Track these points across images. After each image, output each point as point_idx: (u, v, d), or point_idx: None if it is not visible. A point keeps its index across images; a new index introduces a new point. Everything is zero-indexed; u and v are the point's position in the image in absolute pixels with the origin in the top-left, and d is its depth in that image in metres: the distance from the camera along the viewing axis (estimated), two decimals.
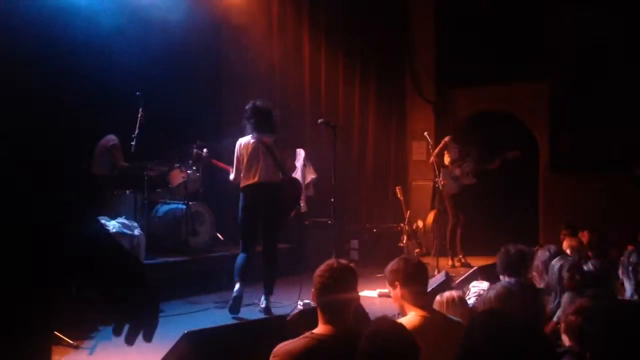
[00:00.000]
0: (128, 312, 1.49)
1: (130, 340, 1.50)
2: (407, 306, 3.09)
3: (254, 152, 5.96)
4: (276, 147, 6.03)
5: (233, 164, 6.10)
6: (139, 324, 1.50)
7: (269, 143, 5.99)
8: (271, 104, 6.28)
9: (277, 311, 5.91)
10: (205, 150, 7.41)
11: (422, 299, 3.10)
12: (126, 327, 1.51)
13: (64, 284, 1.49)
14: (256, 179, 5.90)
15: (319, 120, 6.87)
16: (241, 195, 6.02)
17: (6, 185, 1.32)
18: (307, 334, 2.69)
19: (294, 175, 7.82)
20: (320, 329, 2.72)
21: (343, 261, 2.89)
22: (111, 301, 1.50)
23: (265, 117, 6.03)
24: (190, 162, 7.59)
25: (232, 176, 6.15)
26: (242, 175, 5.99)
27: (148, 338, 1.53)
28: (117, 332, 1.50)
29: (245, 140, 6.05)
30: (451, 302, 3.88)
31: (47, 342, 1.46)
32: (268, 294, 5.89)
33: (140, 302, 1.51)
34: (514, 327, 1.77)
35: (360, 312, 3.59)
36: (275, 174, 5.97)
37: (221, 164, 6.75)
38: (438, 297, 3.84)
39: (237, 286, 5.74)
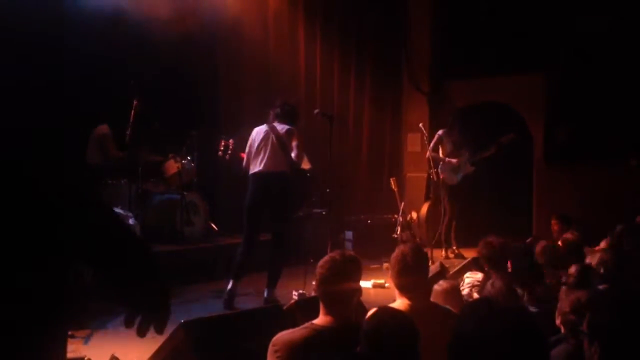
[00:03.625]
0: (141, 303, 1.47)
1: (142, 332, 1.48)
2: (397, 295, 3.12)
3: (264, 140, 5.94)
4: (290, 138, 5.93)
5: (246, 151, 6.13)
6: (152, 315, 1.48)
7: (282, 132, 5.94)
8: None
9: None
10: (231, 140, 7.36)
11: (411, 288, 3.07)
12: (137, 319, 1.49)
13: (75, 273, 1.48)
14: (261, 167, 5.88)
15: (315, 111, 6.87)
16: (248, 182, 6.01)
17: (13, 174, 1.31)
18: (307, 324, 2.70)
19: None
20: (321, 319, 2.73)
21: (348, 253, 2.89)
22: (124, 292, 1.48)
23: (288, 109, 6.12)
24: (220, 154, 7.48)
25: (244, 163, 6.15)
26: (250, 163, 5.99)
27: (160, 330, 1.51)
28: (129, 324, 1.48)
29: (259, 128, 6.07)
30: (445, 292, 3.92)
31: (62, 333, 1.44)
32: (272, 286, 5.84)
33: (153, 292, 1.49)
34: (505, 315, 1.78)
35: (360, 307, 3.61)
36: (282, 164, 5.88)
37: (243, 155, 6.72)
38: (436, 286, 3.87)
39: (230, 283, 5.75)
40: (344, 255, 2.82)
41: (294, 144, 5.91)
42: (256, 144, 5.98)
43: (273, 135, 5.94)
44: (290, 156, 5.90)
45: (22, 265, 1.28)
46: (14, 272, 1.27)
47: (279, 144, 5.90)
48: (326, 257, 2.82)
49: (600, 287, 3.68)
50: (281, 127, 5.98)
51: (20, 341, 1.28)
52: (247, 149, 6.09)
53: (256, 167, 5.93)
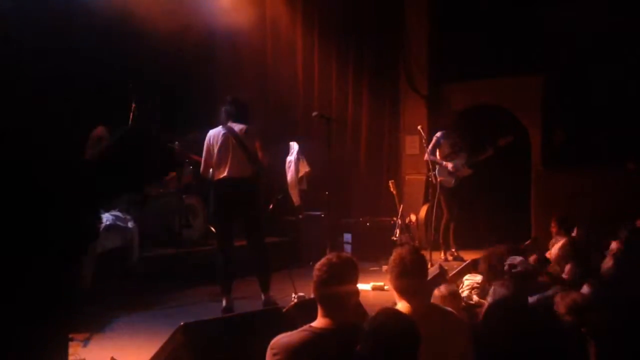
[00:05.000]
0: None
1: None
2: (396, 298, 3.10)
3: (224, 144, 5.70)
4: (252, 139, 5.74)
5: (202, 155, 5.88)
6: None
7: (240, 133, 5.71)
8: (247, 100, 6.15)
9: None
10: (177, 143, 7.35)
11: (410, 292, 3.05)
12: None
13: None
14: (225, 174, 5.67)
15: (314, 113, 6.86)
16: (212, 189, 5.83)
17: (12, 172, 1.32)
18: (306, 327, 2.70)
19: (287, 168, 7.81)
20: (319, 322, 2.73)
21: (344, 255, 2.87)
22: None
23: (241, 107, 5.87)
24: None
25: (201, 169, 5.95)
26: (213, 168, 5.78)
27: None
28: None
29: (215, 132, 5.79)
30: (444, 297, 3.92)
31: (63, 335, 1.45)
32: (266, 290, 5.79)
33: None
34: (526, 307, 1.81)
35: (359, 309, 3.61)
36: (245, 167, 5.68)
37: (194, 156, 6.63)
38: (436, 291, 3.88)
39: (224, 301, 5.67)
40: (340, 257, 2.82)
41: (257, 145, 5.72)
42: (216, 149, 5.72)
43: (232, 138, 5.70)
44: (255, 159, 5.70)
45: (24, 267, 1.29)
46: (16, 274, 1.28)
47: (240, 147, 5.66)
48: (323, 260, 2.81)
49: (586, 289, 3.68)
50: (239, 128, 5.74)
51: (21, 342, 1.29)
52: (204, 154, 5.84)
53: (220, 173, 5.71)
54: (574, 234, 6.25)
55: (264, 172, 5.82)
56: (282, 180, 7.35)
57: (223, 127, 5.78)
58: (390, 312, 2.54)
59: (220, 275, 5.79)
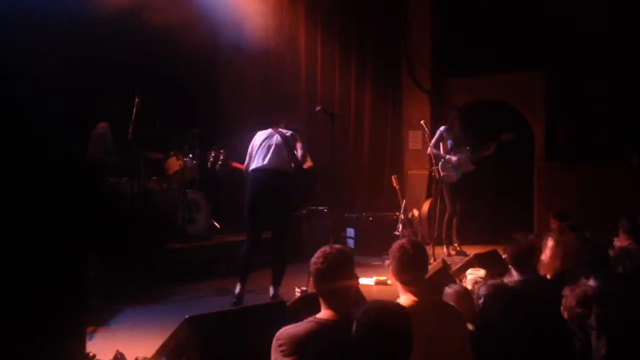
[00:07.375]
0: None
1: None
2: (400, 290, 3.09)
3: (267, 139, 6.05)
4: (295, 139, 6.11)
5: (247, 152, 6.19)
6: None
7: (287, 134, 6.09)
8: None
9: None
10: (222, 151, 7.37)
11: (413, 284, 3.03)
12: None
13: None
14: (264, 163, 5.92)
15: (317, 108, 6.87)
16: (248, 179, 6.03)
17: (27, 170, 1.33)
18: (311, 318, 2.72)
19: None
20: (323, 313, 2.75)
21: (337, 246, 2.90)
22: None
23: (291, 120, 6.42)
24: (209, 165, 7.42)
25: (245, 165, 6.18)
26: (252, 161, 6.02)
27: None
28: None
29: (263, 131, 6.18)
30: (457, 293, 3.92)
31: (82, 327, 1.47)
32: (276, 284, 5.88)
33: None
34: (527, 301, 1.81)
35: (360, 297, 3.62)
36: (285, 162, 5.97)
37: (237, 165, 6.73)
38: (447, 289, 3.88)
39: (237, 288, 5.76)
40: (334, 248, 2.84)
41: (298, 145, 6.07)
42: (259, 143, 6.05)
43: (278, 136, 6.05)
44: (295, 155, 6.01)
45: (42, 265, 1.31)
46: (35, 272, 1.29)
47: (284, 142, 6.01)
48: (317, 253, 2.83)
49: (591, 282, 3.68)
50: (286, 131, 6.16)
51: (42, 337, 1.31)
52: (249, 150, 6.14)
53: (258, 163, 5.94)
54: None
55: (300, 167, 6.09)
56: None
57: (272, 129, 6.18)
58: (380, 301, 2.52)
59: (240, 264, 5.91)
